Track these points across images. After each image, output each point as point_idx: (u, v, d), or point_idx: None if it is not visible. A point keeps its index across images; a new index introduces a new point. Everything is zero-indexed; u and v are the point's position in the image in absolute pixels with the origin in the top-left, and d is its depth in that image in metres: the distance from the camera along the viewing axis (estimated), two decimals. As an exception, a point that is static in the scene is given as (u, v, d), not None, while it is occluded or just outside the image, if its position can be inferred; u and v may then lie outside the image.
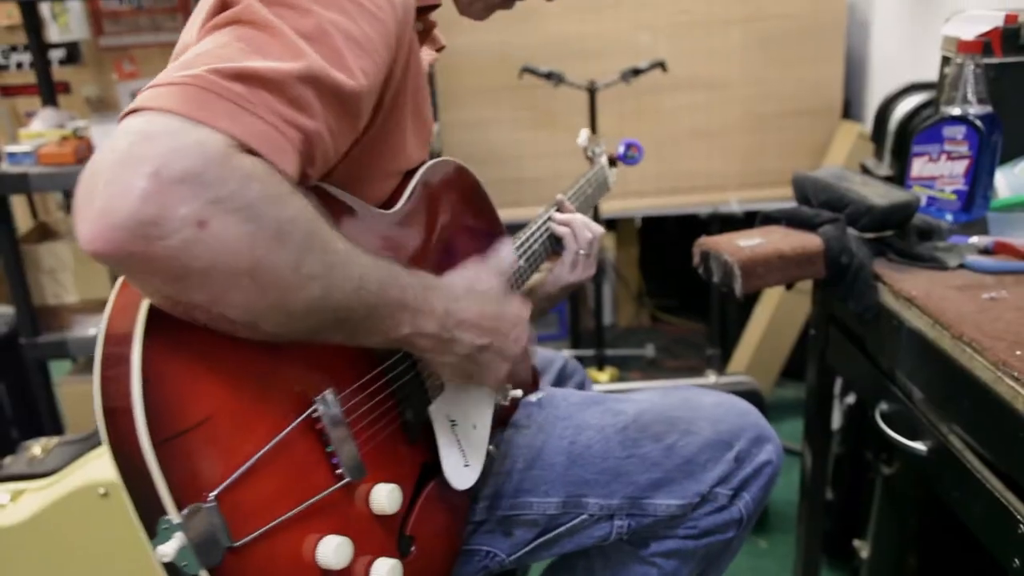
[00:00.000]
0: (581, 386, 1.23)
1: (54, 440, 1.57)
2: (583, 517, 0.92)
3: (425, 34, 0.88)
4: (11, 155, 1.93)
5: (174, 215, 0.51)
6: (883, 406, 1.11)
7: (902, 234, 1.17)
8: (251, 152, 0.56)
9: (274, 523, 0.62)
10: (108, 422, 0.58)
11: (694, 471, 0.90)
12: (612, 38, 2.56)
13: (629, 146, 1.34)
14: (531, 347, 0.83)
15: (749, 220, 1.38)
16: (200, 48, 0.60)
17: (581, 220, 1.09)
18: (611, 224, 2.99)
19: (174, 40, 0.75)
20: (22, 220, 2.78)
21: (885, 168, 1.75)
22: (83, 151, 1.94)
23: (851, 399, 1.70)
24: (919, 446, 1.00)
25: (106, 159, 0.52)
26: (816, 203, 1.24)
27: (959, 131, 1.18)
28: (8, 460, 1.54)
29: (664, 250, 3.00)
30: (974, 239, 1.14)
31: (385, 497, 0.71)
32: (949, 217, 1.22)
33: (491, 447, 0.90)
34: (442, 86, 2.58)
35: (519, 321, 0.80)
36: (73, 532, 1.39)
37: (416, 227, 0.86)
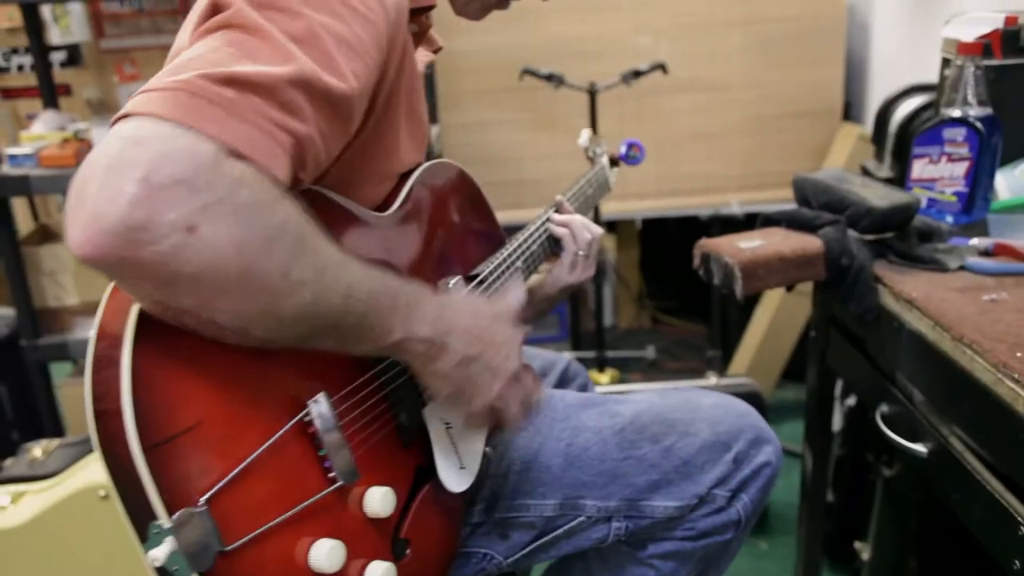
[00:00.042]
0: (583, 388, 1.22)
1: (55, 442, 1.57)
2: (580, 519, 0.92)
3: (420, 35, 0.88)
4: (12, 157, 1.93)
5: (163, 220, 0.51)
6: (884, 408, 1.10)
7: (902, 236, 1.17)
8: (241, 157, 0.56)
9: (266, 527, 0.61)
10: (98, 426, 0.57)
11: (692, 472, 0.90)
12: (613, 40, 2.56)
13: (631, 146, 1.33)
14: (526, 384, 0.80)
15: (750, 222, 1.38)
16: (191, 52, 0.60)
17: (580, 221, 1.09)
18: (612, 226, 2.99)
19: (175, 42, 0.75)
20: (23, 222, 2.78)
21: (885, 170, 1.75)
22: (84, 153, 1.94)
23: (852, 401, 1.70)
24: (920, 448, 1.00)
25: (97, 164, 0.52)
26: (816, 205, 1.24)
27: (959, 133, 1.18)
28: (9, 462, 1.54)
29: (665, 252, 3.00)
30: (974, 241, 1.14)
31: (379, 500, 0.71)
32: (949, 219, 1.22)
33: (487, 449, 0.90)
34: (443, 88, 2.58)
35: (511, 341, 0.78)
36: (73, 534, 1.39)
37: (411, 229, 0.85)
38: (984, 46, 1.20)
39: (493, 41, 2.51)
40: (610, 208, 2.57)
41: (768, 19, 2.55)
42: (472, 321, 0.74)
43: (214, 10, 0.63)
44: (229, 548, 0.59)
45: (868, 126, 2.26)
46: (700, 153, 2.67)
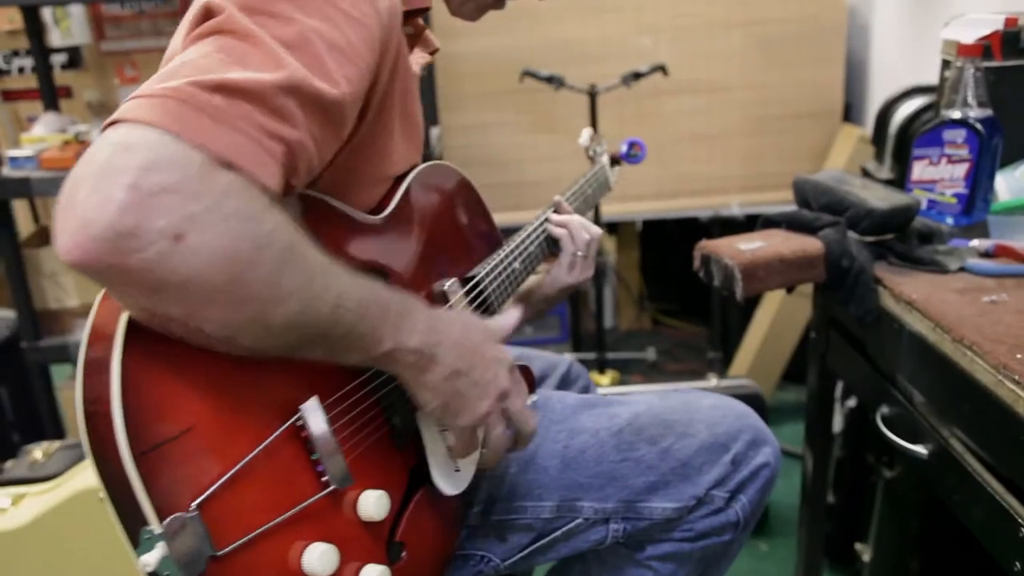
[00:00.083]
0: (585, 390, 1.22)
1: (55, 444, 1.57)
2: (578, 521, 0.91)
3: (416, 37, 0.87)
4: (13, 159, 1.93)
5: (151, 227, 0.51)
6: (884, 409, 1.10)
7: (902, 237, 1.16)
8: (230, 166, 0.56)
9: (258, 532, 0.61)
10: (89, 430, 0.57)
11: (690, 474, 0.90)
12: (613, 42, 2.56)
13: (632, 144, 1.33)
14: (515, 407, 0.79)
15: (750, 223, 1.38)
16: (183, 58, 0.60)
17: (579, 221, 1.09)
18: (612, 227, 2.99)
19: (176, 45, 0.75)
20: (24, 224, 2.79)
21: (886, 171, 1.75)
22: (84, 155, 1.94)
23: (852, 402, 1.70)
24: (920, 449, 0.99)
25: (85, 171, 0.52)
26: (816, 206, 1.24)
27: (959, 134, 1.18)
28: (9, 464, 1.54)
29: (665, 253, 3.00)
30: (974, 242, 1.14)
31: (372, 504, 0.71)
32: (949, 220, 1.22)
33: (484, 451, 0.90)
34: (443, 90, 2.58)
35: (501, 360, 0.77)
36: (74, 536, 1.39)
37: (405, 232, 0.85)
38: (984, 48, 1.20)
39: (493, 43, 2.50)
40: (610, 209, 2.57)
41: (768, 20, 2.55)
42: (463, 335, 0.74)
43: (206, 15, 0.63)
44: (221, 553, 0.58)
45: (868, 128, 2.26)
46: (700, 154, 2.67)
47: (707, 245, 1.23)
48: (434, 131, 2.42)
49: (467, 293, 0.92)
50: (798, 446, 1.83)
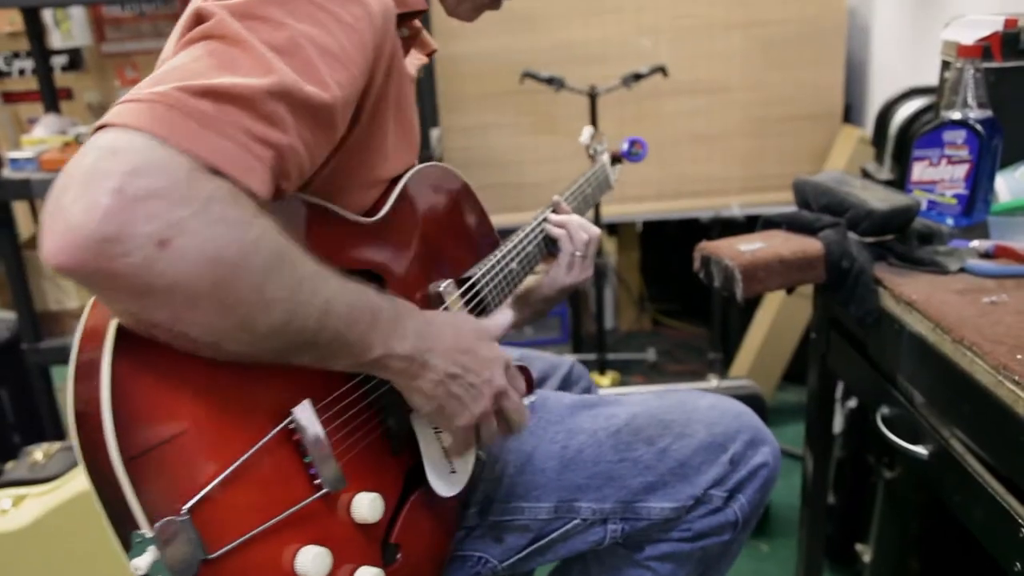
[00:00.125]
0: (587, 391, 1.21)
1: (56, 445, 1.57)
2: (576, 522, 0.91)
3: (412, 39, 0.87)
4: (13, 161, 1.93)
5: (136, 232, 0.51)
6: (884, 410, 1.10)
7: (903, 238, 1.16)
8: (217, 171, 0.56)
9: (250, 535, 0.61)
10: (80, 435, 0.57)
11: (688, 474, 0.90)
12: (613, 43, 2.56)
13: (633, 142, 1.33)
14: (511, 403, 0.80)
15: (750, 224, 1.38)
16: (173, 63, 0.60)
17: (577, 221, 1.08)
18: (612, 228, 2.99)
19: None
20: (24, 226, 2.78)
21: (886, 172, 1.75)
22: (85, 157, 1.94)
23: (852, 403, 1.70)
24: (920, 450, 0.99)
25: (72, 175, 0.52)
26: (817, 207, 1.24)
27: (959, 135, 1.18)
28: (10, 465, 1.54)
29: (665, 254, 3.00)
30: (975, 243, 1.13)
31: (366, 506, 0.71)
32: (950, 221, 1.22)
33: (480, 452, 0.89)
34: (443, 91, 2.58)
35: (494, 361, 0.77)
36: (74, 537, 1.39)
37: (400, 233, 0.85)
38: (984, 49, 1.20)
39: (494, 44, 2.50)
40: (611, 210, 2.57)
41: (768, 21, 2.54)
42: (455, 339, 0.74)
43: (197, 20, 0.63)
44: (212, 556, 0.58)
45: (868, 129, 2.26)
46: (700, 155, 2.67)
47: (707, 246, 1.23)
48: (434, 132, 2.42)
49: (463, 294, 0.92)
50: (798, 447, 1.83)
